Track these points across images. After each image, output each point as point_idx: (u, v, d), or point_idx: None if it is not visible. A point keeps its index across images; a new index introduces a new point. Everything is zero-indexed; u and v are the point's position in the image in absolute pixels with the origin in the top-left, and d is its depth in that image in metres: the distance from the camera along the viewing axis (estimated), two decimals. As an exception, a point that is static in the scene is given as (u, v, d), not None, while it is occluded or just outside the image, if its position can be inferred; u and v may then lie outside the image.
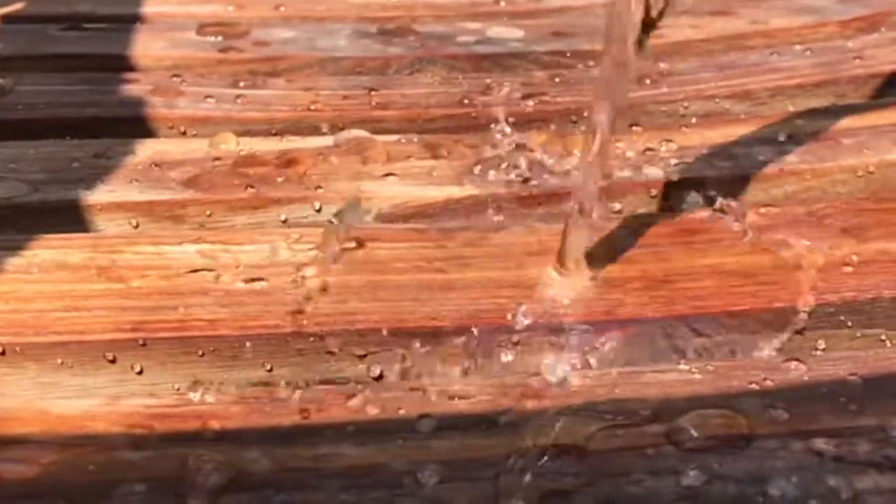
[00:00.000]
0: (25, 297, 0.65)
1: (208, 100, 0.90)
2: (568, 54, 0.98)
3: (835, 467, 0.56)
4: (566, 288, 0.66)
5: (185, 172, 0.79)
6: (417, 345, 0.63)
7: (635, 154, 0.82)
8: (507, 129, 0.85)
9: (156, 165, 0.79)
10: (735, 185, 0.80)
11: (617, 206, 0.77)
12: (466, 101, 0.91)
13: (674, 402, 0.60)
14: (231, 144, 0.82)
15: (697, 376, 0.62)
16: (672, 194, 0.79)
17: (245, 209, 0.76)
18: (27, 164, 0.79)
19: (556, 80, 0.94)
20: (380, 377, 0.62)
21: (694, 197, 0.78)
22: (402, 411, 0.60)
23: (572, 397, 0.60)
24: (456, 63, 0.97)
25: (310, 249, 0.70)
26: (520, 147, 0.82)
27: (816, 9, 1.04)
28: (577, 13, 1.07)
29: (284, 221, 0.76)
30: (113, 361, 0.62)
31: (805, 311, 0.65)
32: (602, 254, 0.69)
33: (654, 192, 0.79)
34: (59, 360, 0.62)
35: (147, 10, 1.05)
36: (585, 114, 0.76)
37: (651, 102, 0.91)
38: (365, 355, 0.63)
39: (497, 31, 1.03)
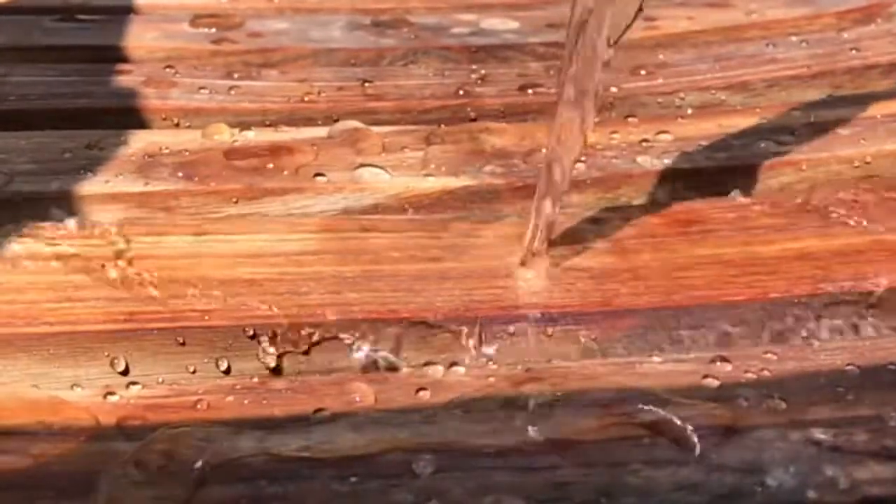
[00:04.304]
0: (17, 288, 0.64)
1: (202, 91, 0.89)
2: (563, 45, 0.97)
3: (832, 457, 0.56)
4: (559, 278, 0.66)
5: (178, 163, 0.78)
6: (412, 334, 0.63)
7: (631, 145, 0.82)
8: (502, 121, 0.85)
9: (149, 156, 0.79)
10: (731, 176, 0.79)
11: (613, 196, 0.77)
12: (461, 93, 0.91)
13: (671, 392, 0.60)
14: (225, 135, 0.82)
15: (694, 366, 0.62)
16: (668, 185, 0.78)
17: (239, 200, 0.76)
18: (18, 155, 0.78)
19: (552, 71, 0.93)
20: (374, 367, 0.61)
21: (690, 188, 0.78)
22: (396, 401, 0.59)
23: (569, 387, 0.60)
24: (450, 54, 0.97)
25: (304, 240, 0.69)
26: (515, 138, 0.82)
27: (812, 0, 1.03)
28: (572, 4, 1.07)
29: (278, 212, 0.76)
30: (105, 352, 0.61)
31: (802, 301, 0.65)
32: (598, 244, 0.69)
33: (650, 182, 0.78)
34: (51, 351, 0.61)
35: (140, 1, 1.04)
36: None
37: (646, 94, 0.91)
38: (359, 345, 0.62)
39: (491, 22, 1.02)
